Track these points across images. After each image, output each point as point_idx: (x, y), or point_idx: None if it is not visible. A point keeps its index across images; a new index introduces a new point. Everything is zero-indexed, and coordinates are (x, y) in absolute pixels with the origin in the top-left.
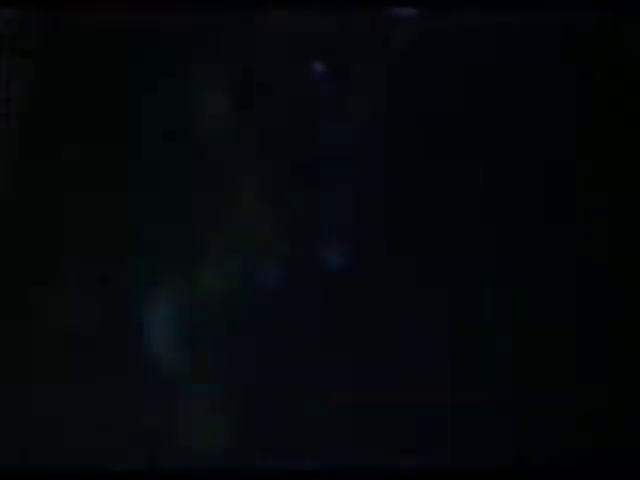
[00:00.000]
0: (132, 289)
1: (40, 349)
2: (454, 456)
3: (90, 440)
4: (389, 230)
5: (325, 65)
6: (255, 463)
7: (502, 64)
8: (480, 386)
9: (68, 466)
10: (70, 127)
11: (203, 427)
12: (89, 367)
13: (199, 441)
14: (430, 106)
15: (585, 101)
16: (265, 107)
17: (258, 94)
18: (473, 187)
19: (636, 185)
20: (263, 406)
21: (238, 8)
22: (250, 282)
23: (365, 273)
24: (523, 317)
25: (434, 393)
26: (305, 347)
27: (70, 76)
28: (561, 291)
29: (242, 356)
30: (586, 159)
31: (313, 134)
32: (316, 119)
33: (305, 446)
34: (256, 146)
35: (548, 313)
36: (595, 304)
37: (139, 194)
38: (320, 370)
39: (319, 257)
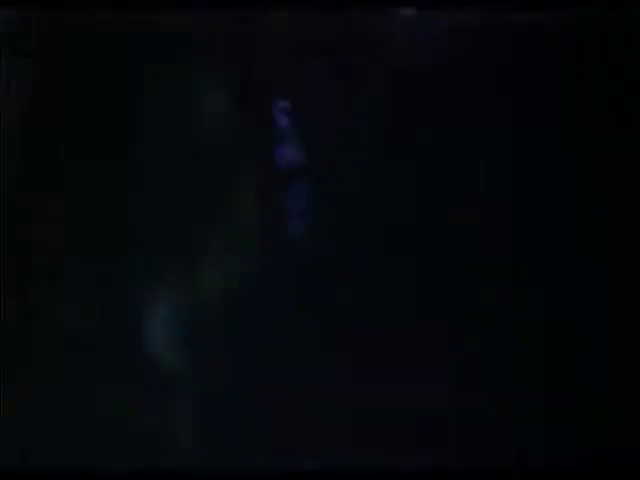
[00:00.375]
0: (132, 289)
1: (40, 349)
2: (454, 456)
3: (90, 440)
4: (389, 230)
5: (325, 65)
6: (255, 463)
7: (502, 64)
8: (480, 386)
9: (68, 466)
10: (70, 127)
11: (203, 427)
12: (89, 367)
13: (199, 441)
14: (430, 106)
15: (585, 101)
16: (265, 107)
17: (258, 94)
18: (473, 187)
19: (636, 185)
20: (263, 406)
21: (238, 8)
22: (249, 282)
23: (365, 273)
24: (523, 317)
25: (434, 393)
26: (305, 347)
27: (70, 76)
28: (561, 291)
29: (242, 356)
30: (586, 159)
31: (312, 133)
32: (316, 118)
33: (305, 446)
34: (256, 146)
35: (548, 313)
36: (595, 304)
37: (139, 194)
38: (320, 371)
39: (319, 256)
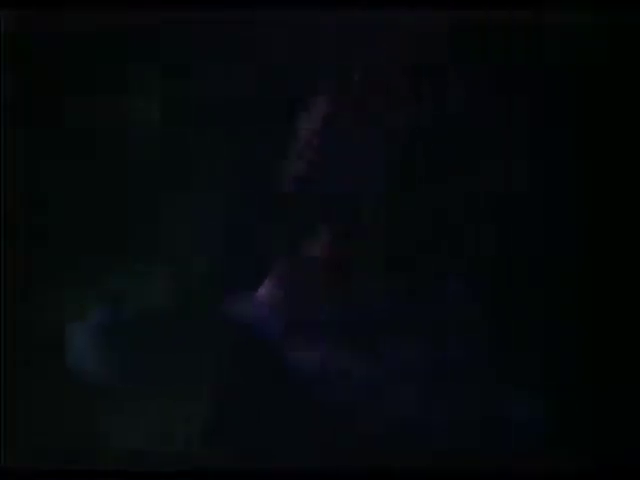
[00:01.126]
0: (127, 288)
1: (37, 348)
2: (455, 456)
3: (89, 440)
4: (388, 229)
5: (326, 65)
6: (256, 463)
7: (501, 64)
8: (481, 385)
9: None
10: (69, 127)
11: (202, 427)
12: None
13: (198, 441)
14: (431, 106)
15: (585, 102)
16: (265, 106)
17: (258, 94)
18: (474, 187)
19: (636, 186)
20: (264, 406)
21: (238, 8)
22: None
23: (363, 269)
24: (525, 315)
25: (434, 392)
26: (304, 346)
27: (70, 76)
28: (562, 290)
29: (240, 354)
30: (586, 160)
31: (313, 133)
32: (316, 117)
33: (305, 446)
34: (255, 146)
35: (548, 312)
36: (596, 304)
37: (138, 194)
38: (320, 370)
39: (316, 255)
